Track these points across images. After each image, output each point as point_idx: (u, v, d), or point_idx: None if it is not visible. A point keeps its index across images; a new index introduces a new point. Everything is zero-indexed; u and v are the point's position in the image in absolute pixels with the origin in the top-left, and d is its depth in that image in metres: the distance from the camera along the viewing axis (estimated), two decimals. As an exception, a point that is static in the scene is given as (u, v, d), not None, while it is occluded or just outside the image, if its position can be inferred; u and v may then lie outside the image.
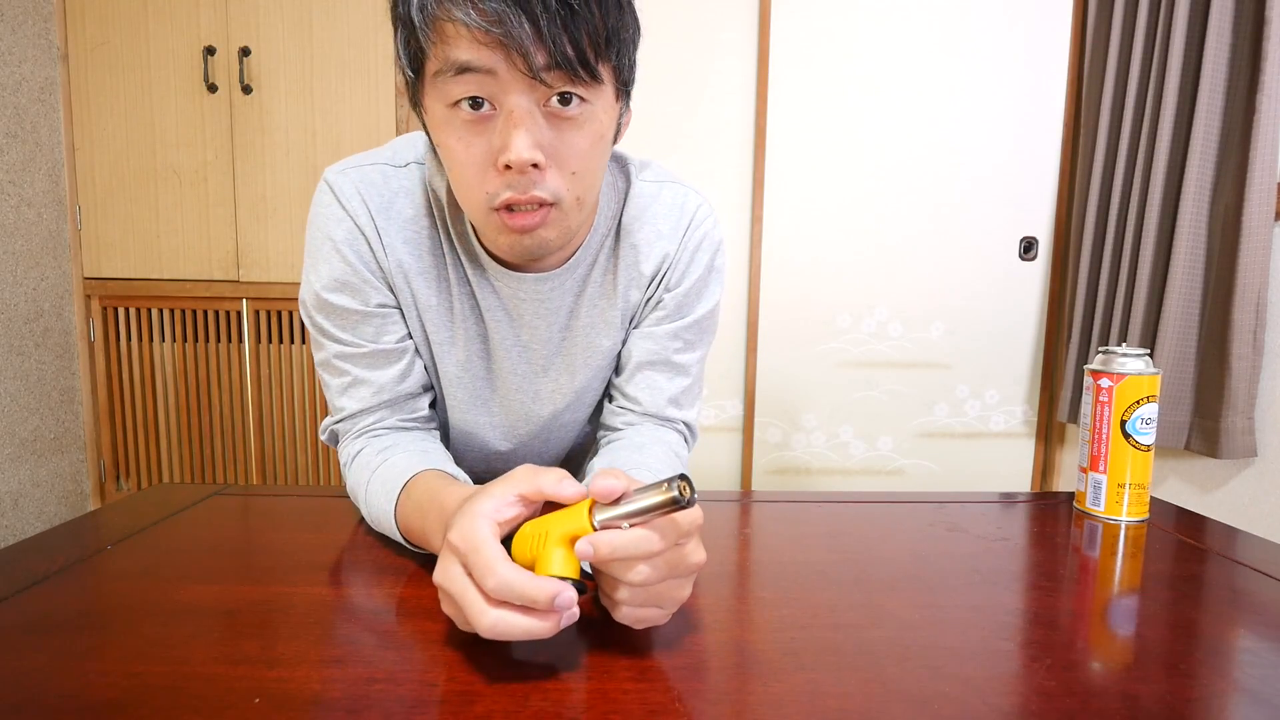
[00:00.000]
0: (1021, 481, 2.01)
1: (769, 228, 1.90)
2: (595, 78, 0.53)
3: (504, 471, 0.45)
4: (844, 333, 1.94)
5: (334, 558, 0.59)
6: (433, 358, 0.71)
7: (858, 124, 1.88)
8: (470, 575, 0.40)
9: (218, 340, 1.93)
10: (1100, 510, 0.74)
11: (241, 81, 1.81)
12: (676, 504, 0.39)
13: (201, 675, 0.41)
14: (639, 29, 0.57)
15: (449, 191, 0.66)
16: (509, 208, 0.55)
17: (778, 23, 1.84)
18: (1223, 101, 1.52)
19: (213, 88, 1.82)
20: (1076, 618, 0.51)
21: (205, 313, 1.92)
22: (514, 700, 0.39)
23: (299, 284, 1.91)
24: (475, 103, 0.52)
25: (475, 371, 0.72)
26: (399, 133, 1.82)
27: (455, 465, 0.64)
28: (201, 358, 1.94)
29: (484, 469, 0.80)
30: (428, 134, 0.59)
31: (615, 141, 0.62)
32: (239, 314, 1.91)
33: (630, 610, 0.43)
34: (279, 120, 1.84)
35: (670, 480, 0.39)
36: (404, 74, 0.56)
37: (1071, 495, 0.80)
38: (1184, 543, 0.67)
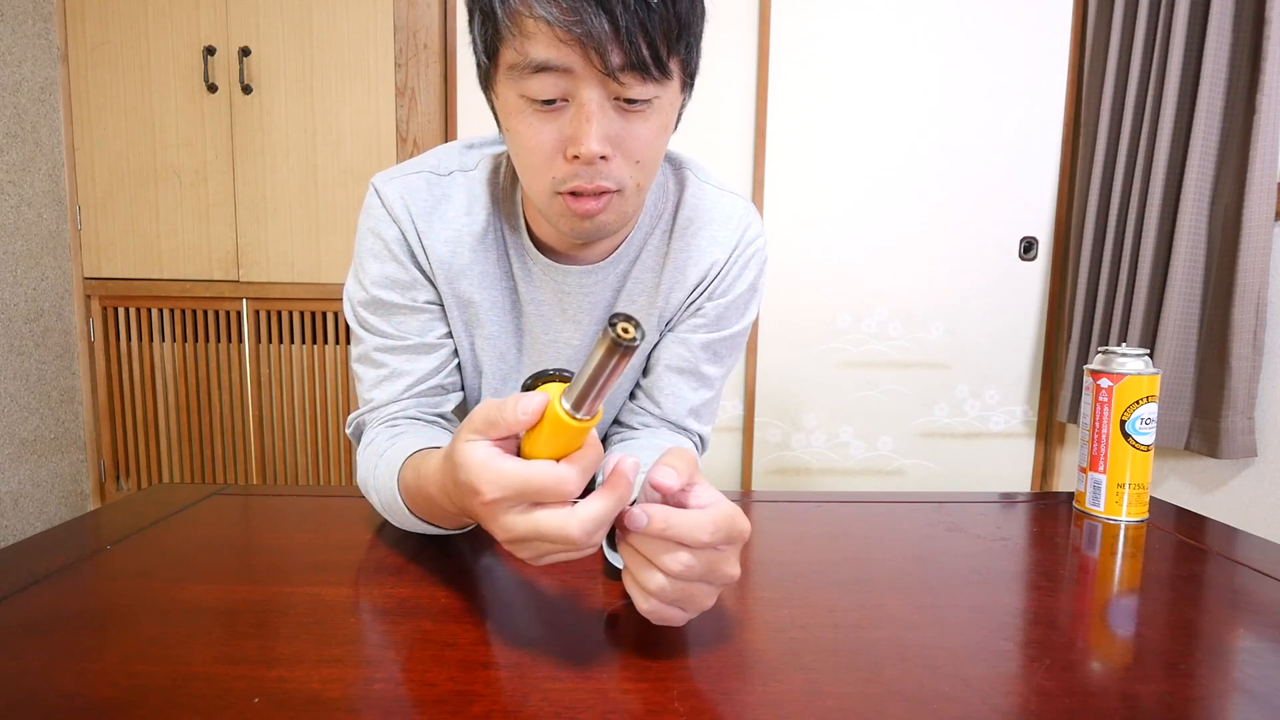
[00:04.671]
0: (1021, 481, 2.01)
1: (769, 228, 1.90)
2: (666, 75, 0.53)
3: None
4: (844, 333, 1.94)
5: (334, 558, 0.59)
6: (475, 352, 0.72)
7: (857, 124, 1.88)
8: (539, 504, 0.39)
9: (218, 340, 1.93)
10: (1100, 510, 0.74)
11: (241, 81, 1.81)
12: (618, 346, 0.35)
13: (201, 675, 0.41)
14: (705, 14, 0.57)
15: (504, 188, 0.69)
16: (574, 193, 0.57)
17: (778, 23, 1.84)
18: (1223, 101, 1.52)
19: (213, 88, 1.82)
20: (1076, 618, 0.51)
21: (205, 313, 1.92)
22: (514, 700, 0.39)
23: (299, 284, 1.91)
24: (550, 99, 0.53)
25: (510, 363, 0.73)
26: (399, 133, 1.83)
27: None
28: (201, 358, 1.94)
29: None
30: (496, 117, 0.61)
31: (675, 128, 0.63)
32: (239, 314, 1.91)
33: (658, 605, 0.42)
34: (279, 120, 1.84)
35: (609, 323, 0.36)
36: (477, 59, 0.58)
37: (1071, 495, 0.80)
38: (1184, 543, 0.67)
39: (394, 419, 0.67)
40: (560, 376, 0.40)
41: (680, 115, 0.62)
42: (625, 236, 0.70)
